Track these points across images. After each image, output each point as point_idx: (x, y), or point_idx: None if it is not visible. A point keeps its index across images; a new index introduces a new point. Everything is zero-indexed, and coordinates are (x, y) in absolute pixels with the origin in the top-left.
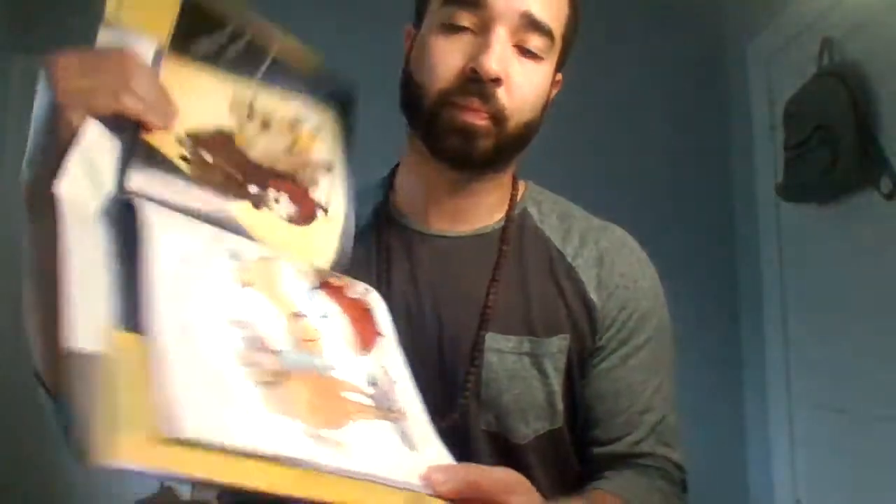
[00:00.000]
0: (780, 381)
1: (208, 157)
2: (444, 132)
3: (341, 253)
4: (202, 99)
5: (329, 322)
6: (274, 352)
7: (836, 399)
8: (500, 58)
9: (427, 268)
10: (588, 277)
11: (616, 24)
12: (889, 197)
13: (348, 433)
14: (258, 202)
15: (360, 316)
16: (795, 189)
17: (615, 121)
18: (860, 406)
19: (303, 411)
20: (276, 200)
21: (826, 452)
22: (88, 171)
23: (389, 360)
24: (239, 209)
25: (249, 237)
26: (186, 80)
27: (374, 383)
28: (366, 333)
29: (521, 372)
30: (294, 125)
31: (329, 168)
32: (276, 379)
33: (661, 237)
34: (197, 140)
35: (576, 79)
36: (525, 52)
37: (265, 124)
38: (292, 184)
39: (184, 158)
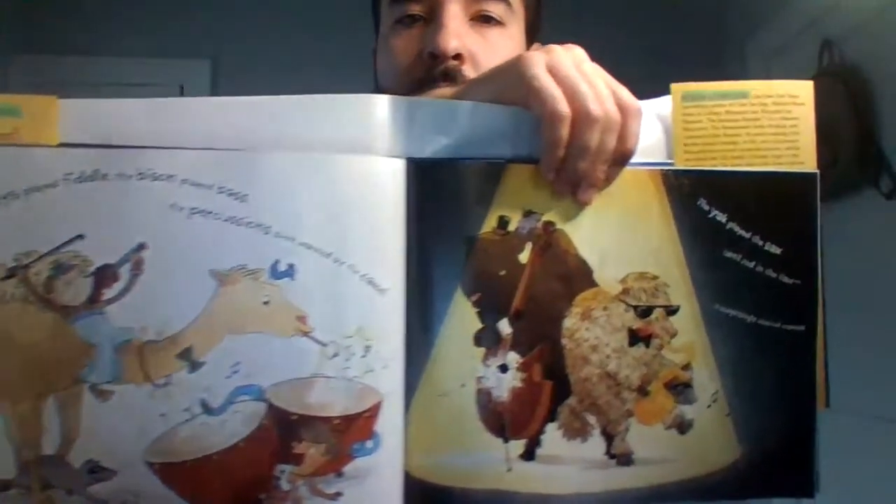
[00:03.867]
0: None
1: None
2: None
3: None
4: None
5: None
6: None
7: (835, 399)
8: (456, 33)
9: None
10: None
11: (616, 22)
12: (889, 197)
13: None
14: None
15: None
16: None
17: None
18: (860, 406)
19: None
20: None
21: (826, 453)
22: None
23: None
24: None
25: None
26: None
27: None
28: None
29: None
30: None
31: None
32: None
33: None
34: None
35: None
36: (485, 20)
37: None
38: None
39: None
